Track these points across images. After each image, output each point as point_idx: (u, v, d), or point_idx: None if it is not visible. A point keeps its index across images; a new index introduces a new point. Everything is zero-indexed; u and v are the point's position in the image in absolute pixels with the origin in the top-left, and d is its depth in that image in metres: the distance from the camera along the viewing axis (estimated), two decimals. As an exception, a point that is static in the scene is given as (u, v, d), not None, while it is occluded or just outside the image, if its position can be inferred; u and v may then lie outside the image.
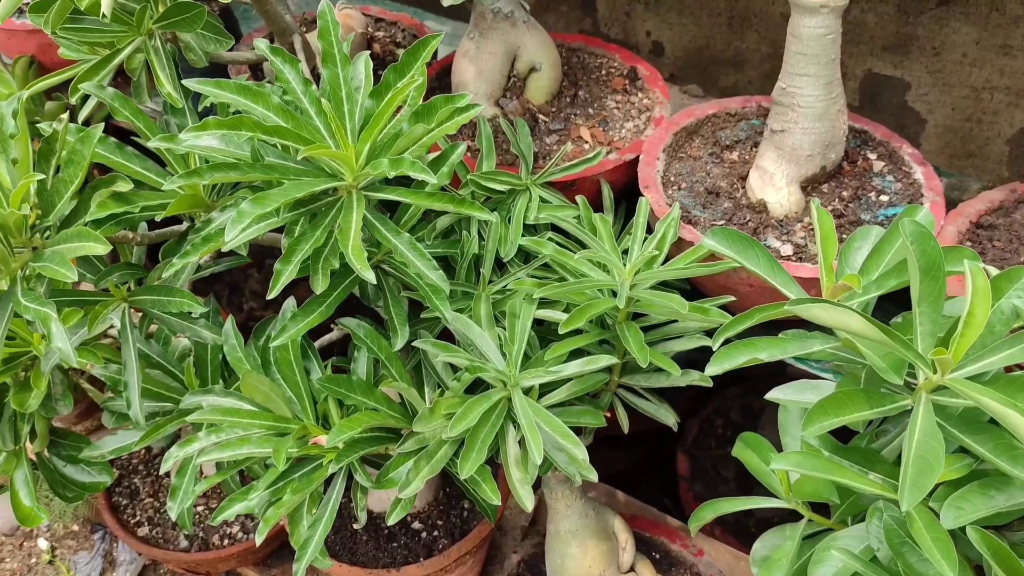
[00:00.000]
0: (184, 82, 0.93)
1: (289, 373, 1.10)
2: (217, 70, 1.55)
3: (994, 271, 0.99)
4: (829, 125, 1.20)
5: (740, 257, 0.94)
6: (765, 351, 0.89)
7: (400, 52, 1.58)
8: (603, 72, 1.47)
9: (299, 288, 1.00)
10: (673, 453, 2.04)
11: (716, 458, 2.05)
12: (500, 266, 1.23)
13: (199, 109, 1.10)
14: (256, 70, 1.44)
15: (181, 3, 1.01)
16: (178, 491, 1.22)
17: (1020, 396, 0.73)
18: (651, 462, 2.09)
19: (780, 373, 1.60)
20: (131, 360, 1.13)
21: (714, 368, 0.89)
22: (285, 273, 0.91)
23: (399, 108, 0.96)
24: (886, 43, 1.69)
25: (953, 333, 0.76)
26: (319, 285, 0.95)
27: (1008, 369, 0.89)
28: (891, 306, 1.00)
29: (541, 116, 1.38)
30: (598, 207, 1.33)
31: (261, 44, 0.97)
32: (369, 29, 1.57)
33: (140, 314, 1.23)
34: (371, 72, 0.99)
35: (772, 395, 0.94)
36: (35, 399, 1.19)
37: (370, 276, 0.87)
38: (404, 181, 1.05)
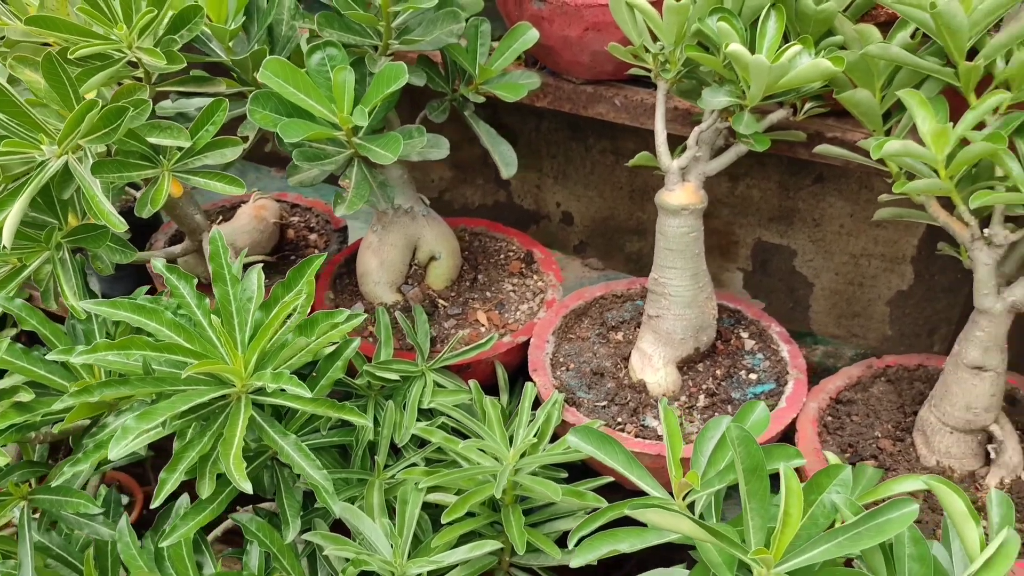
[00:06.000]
0: (80, 304, 1.01)
1: (182, 569, 1.13)
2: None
3: (834, 458, 1.07)
4: (699, 311, 1.31)
5: (600, 453, 1.01)
6: (626, 542, 0.96)
7: (313, 236, 1.69)
8: (502, 256, 1.58)
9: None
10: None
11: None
12: (396, 451, 1.29)
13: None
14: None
15: (87, 225, 1.09)
16: None
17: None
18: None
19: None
20: (27, 560, 1.15)
21: (578, 560, 0.94)
22: (170, 482, 0.95)
23: (286, 320, 1.04)
24: (771, 215, 1.84)
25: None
26: (205, 490, 1.00)
27: (848, 562, 0.96)
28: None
29: (441, 301, 1.47)
30: (495, 386, 1.40)
31: (159, 264, 1.05)
32: (284, 215, 1.67)
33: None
34: (263, 284, 1.07)
35: (630, 585, 0.99)
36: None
37: (247, 487, 0.92)
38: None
